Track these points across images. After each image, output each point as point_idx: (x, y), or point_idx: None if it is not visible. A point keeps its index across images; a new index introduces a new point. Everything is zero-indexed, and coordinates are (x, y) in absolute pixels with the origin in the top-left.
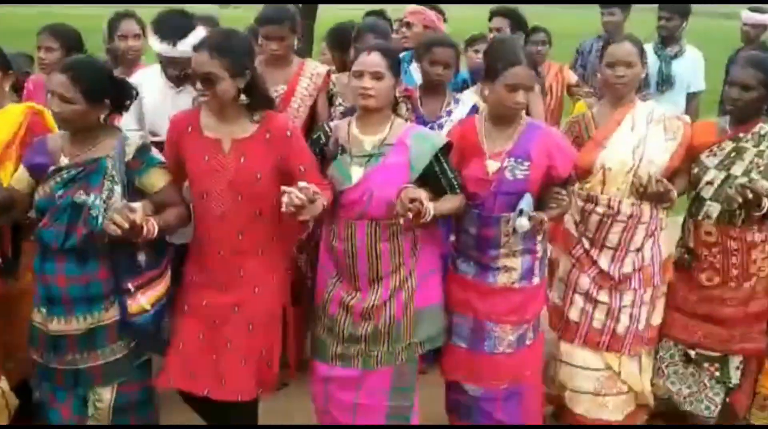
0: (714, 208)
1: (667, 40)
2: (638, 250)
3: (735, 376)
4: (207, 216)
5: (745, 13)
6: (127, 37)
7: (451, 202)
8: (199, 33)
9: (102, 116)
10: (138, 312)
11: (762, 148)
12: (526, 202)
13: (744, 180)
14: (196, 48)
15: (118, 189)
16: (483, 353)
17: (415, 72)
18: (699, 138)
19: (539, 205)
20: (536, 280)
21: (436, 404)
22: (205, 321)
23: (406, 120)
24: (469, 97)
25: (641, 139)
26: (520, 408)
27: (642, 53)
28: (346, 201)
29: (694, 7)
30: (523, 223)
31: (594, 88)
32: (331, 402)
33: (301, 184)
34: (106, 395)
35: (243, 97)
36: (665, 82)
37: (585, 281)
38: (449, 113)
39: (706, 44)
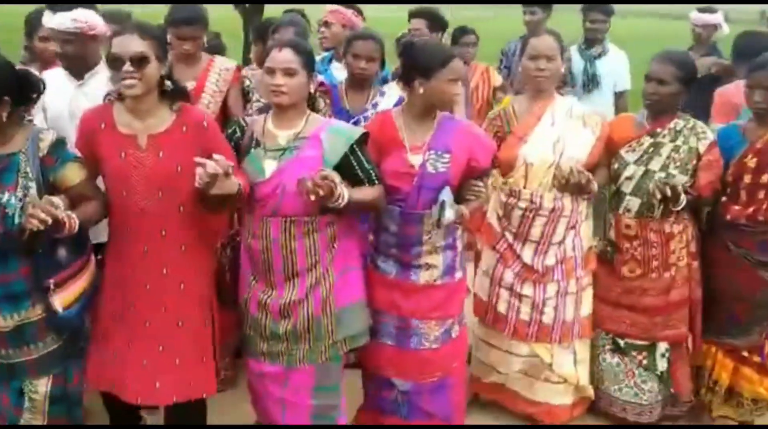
0: (634, 203)
1: (592, 40)
2: (560, 242)
3: (661, 364)
4: (127, 213)
5: (695, 14)
6: (49, 39)
7: (368, 192)
8: (83, 12)
9: (4, 114)
10: (61, 308)
11: (678, 143)
12: (447, 195)
13: (662, 175)
14: (121, 32)
15: (32, 186)
16: (410, 350)
17: (335, 71)
18: (618, 133)
19: (457, 198)
20: (458, 274)
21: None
22: (134, 326)
23: (324, 115)
24: (394, 89)
25: (561, 135)
26: (448, 399)
27: (562, 48)
28: (260, 195)
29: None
30: (449, 214)
31: (517, 90)
32: (265, 395)
33: (216, 156)
34: (41, 387)
35: (168, 83)
36: (591, 81)
37: (509, 276)
38: (375, 106)
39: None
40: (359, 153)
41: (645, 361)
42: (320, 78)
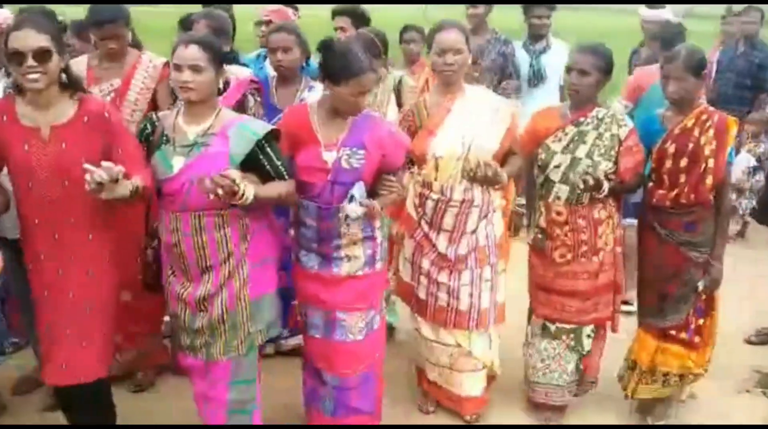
0: (563, 190)
1: (536, 36)
2: (473, 231)
3: (587, 344)
4: (35, 204)
5: (643, 11)
6: None
7: (277, 188)
8: None
9: None
10: None
11: (601, 130)
12: (358, 189)
13: (588, 162)
14: (19, 27)
15: None
16: (336, 342)
17: (270, 67)
18: (543, 123)
19: (372, 193)
20: (379, 265)
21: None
22: (51, 311)
23: (254, 113)
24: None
25: (470, 127)
26: (374, 393)
27: (468, 40)
28: (169, 191)
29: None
30: (355, 208)
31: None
32: (194, 387)
33: (105, 163)
34: None
35: (63, 76)
36: (536, 76)
37: (426, 263)
38: (302, 101)
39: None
40: (268, 149)
41: (572, 343)
42: (249, 74)
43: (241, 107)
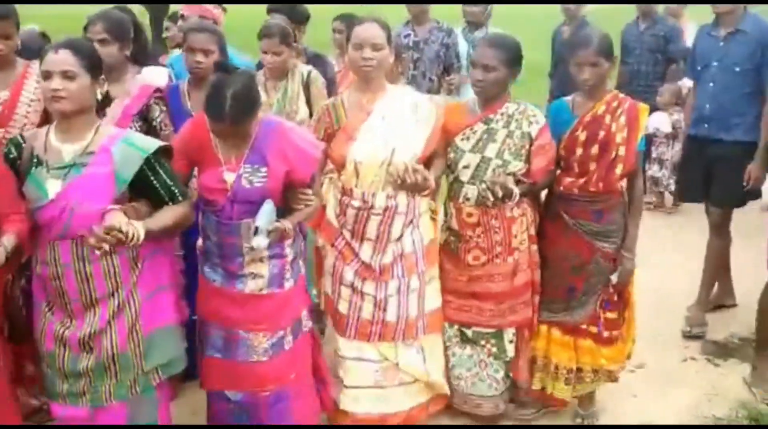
0: (472, 191)
1: (475, 24)
2: (398, 239)
3: (510, 350)
4: None
5: None
6: None
7: (170, 215)
8: None
9: None
10: None
11: (512, 128)
12: (265, 216)
13: (498, 162)
14: None
15: None
16: (237, 362)
17: None
18: (451, 121)
19: (285, 208)
20: (288, 283)
21: None
22: None
23: (160, 122)
24: None
25: (393, 129)
26: (291, 411)
27: (389, 36)
28: (44, 219)
29: None
30: (260, 242)
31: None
32: None
33: None
34: None
35: None
36: None
37: (349, 273)
38: None
39: None
40: (158, 168)
41: (494, 349)
42: (152, 82)
43: (144, 118)
